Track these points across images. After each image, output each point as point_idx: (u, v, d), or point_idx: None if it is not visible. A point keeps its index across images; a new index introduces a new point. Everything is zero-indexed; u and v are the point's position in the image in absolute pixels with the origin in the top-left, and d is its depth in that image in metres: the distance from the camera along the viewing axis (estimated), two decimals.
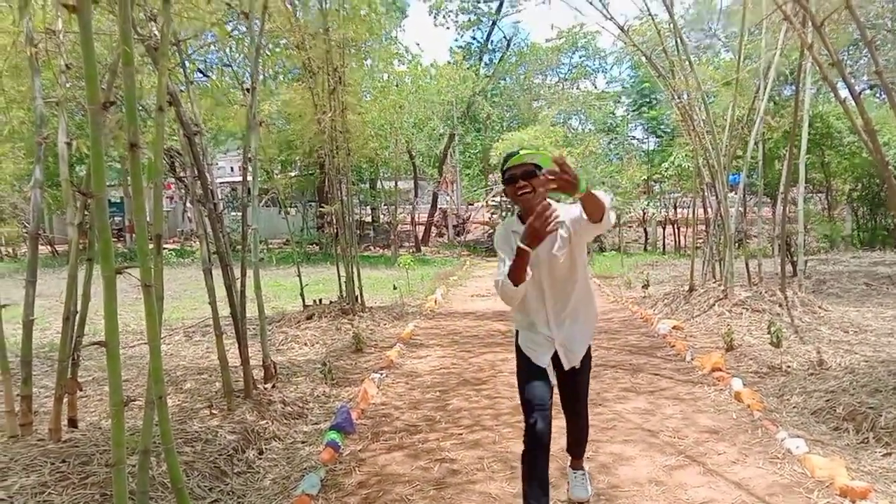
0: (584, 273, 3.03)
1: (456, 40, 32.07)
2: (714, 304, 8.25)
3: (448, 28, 37.39)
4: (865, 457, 3.72)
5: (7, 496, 2.94)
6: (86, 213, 3.82)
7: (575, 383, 3.14)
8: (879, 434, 3.87)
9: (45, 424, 4.00)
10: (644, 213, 22.68)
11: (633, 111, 24.39)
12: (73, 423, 4.07)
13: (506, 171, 2.89)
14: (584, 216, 2.73)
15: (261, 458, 4.06)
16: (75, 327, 3.92)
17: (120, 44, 2.42)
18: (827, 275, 11.85)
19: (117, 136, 3.43)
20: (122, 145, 5.16)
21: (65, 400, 3.93)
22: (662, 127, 22.76)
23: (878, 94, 19.81)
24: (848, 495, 3.21)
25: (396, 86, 18.69)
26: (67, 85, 4.23)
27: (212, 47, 7.69)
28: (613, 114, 26.35)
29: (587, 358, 3.10)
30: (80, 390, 4.14)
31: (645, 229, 23.30)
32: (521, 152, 2.87)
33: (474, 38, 31.51)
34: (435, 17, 28.34)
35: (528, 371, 3.02)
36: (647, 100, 24.08)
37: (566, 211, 2.88)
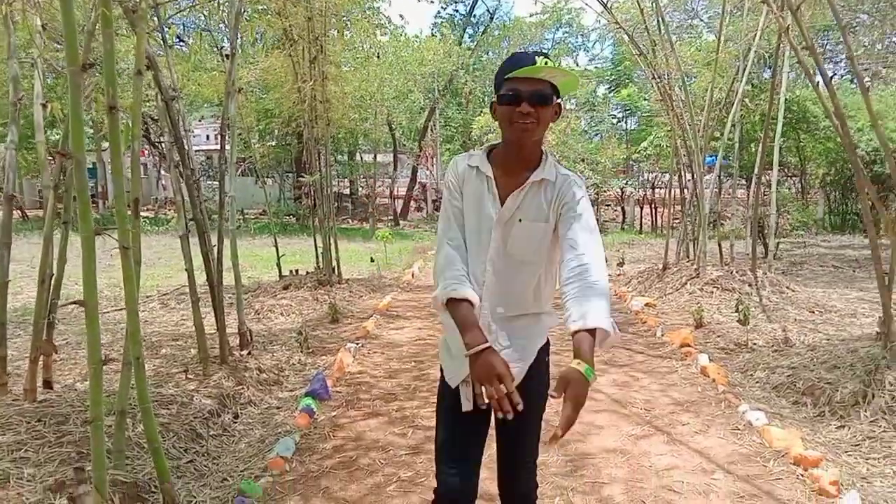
0: (550, 272, 2.06)
1: (438, 13, 31.70)
2: (686, 283, 8.42)
3: (431, 2, 36.94)
4: (821, 429, 3.89)
5: None
6: (62, 175, 3.79)
7: (514, 427, 1.94)
8: (835, 408, 4.03)
9: (19, 386, 4.01)
10: (622, 192, 22.87)
11: (611, 91, 24.41)
12: (48, 384, 4.08)
13: (505, 81, 1.91)
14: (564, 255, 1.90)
15: (236, 422, 4.12)
16: (50, 290, 3.92)
17: (98, 5, 2.41)
18: (798, 257, 12.13)
19: (95, 98, 3.40)
20: (100, 108, 5.10)
21: (40, 361, 3.93)
22: (638, 107, 22.83)
23: (855, 80, 20.08)
24: (801, 464, 3.37)
25: (378, 57, 18.51)
26: (42, 45, 4.17)
27: (191, 11, 7.57)
28: (595, 92, 26.38)
29: (535, 390, 2.01)
30: (56, 352, 4.14)
31: (623, 208, 23.52)
32: (539, 60, 1.85)
33: (457, 11, 31.27)
34: None
35: (444, 400, 2.10)
36: (625, 79, 24.09)
37: (564, 190, 1.97)
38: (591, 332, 1.73)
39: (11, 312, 6.73)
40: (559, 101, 1.96)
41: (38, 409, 3.57)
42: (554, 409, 1.89)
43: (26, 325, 6.08)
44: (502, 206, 1.97)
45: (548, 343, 2.11)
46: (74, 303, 2.42)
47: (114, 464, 2.99)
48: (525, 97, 1.86)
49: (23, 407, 3.61)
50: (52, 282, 3.93)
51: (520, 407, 1.74)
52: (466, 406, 1.99)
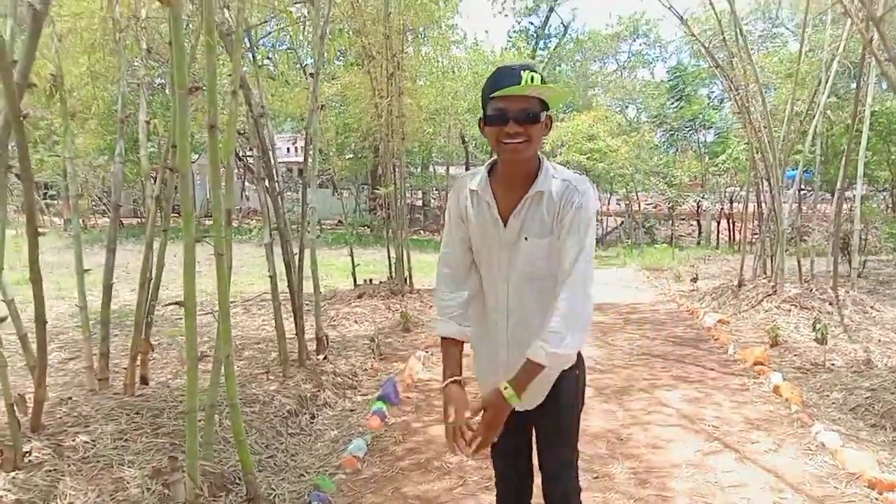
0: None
1: (513, 27, 31.88)
2: (762, 300, 8.19)
3: (506, 15, 37.33)
4: None
5: (91, 440, 3.28)
6: (164, 186, 4.12)
7: (545, 431, 2.11)
8: None
9: (118, 381, 4.36)
10: (698, 206, 22.32)
11: (677, 105, 23.77)
12: (144, 380, 4.42)
13: (490, 99, 1.85)
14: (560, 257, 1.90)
15: (313, 423, 4.35)
16: (149, 292, 4.26)
17: (203, 33, 2.67)
18: (886, 276, 11.54)
19: (194, 116, 3.71)
20: (196, 125, 5.48)
21: (138, 359, 4.27)
22: (710, 121, 22.10)
23: None
24: (876, 487, 3.29)
25: (453, 71, 18.82)
26: (147, 67, 4.56)
27: (278, 33, 8.00)
28: (664, 105, 25.80)
29: (560, 401, 2.06)
30: (153, 350, 4.48)
31: (699, 222, 22.93)
32: (524, 77, 1.79)
33: (531, 24, 31.34)
34: (492, 5, 28.31)
35: None
36: (689, 93, 23.33)
37: (564, 200, 1.91)
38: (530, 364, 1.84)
39: (111, 313, 7.28)
40: (549, 113, 1.91)
41: (136, 403, 3.89)
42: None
43: (122, 326, 6.55)
44: (506, 226, 1.95)
45: (578, 359, 2.06)
46: (175, 303, 2.67)
47: (203, 454, 3.25)
48: (512, 116, 1.81)
49: (123, 400, 3.93)
50: (151, 285, 4.27)
51: (473, 446, 1.88)
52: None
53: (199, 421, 3.41)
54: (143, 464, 3.19)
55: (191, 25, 4.87)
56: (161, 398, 4.04)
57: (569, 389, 2.06)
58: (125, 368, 4.23)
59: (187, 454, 2.75)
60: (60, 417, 3.58)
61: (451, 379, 1.96)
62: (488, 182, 1.99)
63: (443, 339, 2.05)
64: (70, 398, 3.99)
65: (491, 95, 1.84)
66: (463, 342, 2.04)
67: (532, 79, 1.80)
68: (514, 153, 1.86)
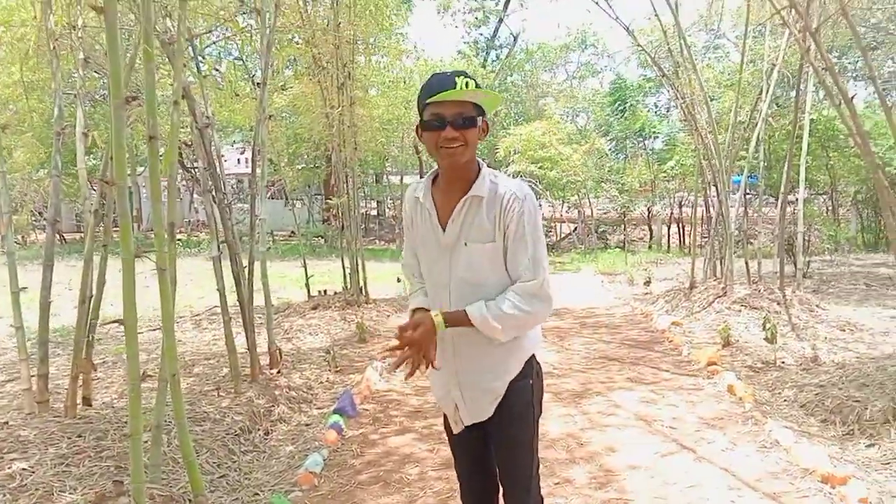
0: (507, 285, 1.94)
1: (463, 38, 32.09)
2: (713, 302, 8.36)
3: (456, 27, 37.65)
4: (850, 447, 3.86)
5: (29, 466, 3.10)
6: (102, 201, 3.96)
7: (500, 443, 2.08)
8: (864, 426, 4.00)
9: (60, 403, 4.16)
10: (649, 212, 22.75)
11: (622, 115, 24.16)
12: (86, 401, 4.22)
13: (427, 106, 1.86)
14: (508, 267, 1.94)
15: (267, 439, 4.22)
16: (90, 310, 4.08)
17: (141, 42, 2.57)
18: (829, 275, 11.95)
19: (133, 126, 3.58)
20: (137, 135, 5.32)
21: (79, 379, 4.08)
22: (656, 131, 22.52)
23: (889, 96, 19.77)
24: (829, 482, 3.35)
25: (405, 81, 18.82)
26: (84, 77, 4.39)
27: (224, 42, 7.84)
28: (609, 116, 26.24)
29: (513, 412, 2.02)
30: (95, 370, 4.29)
31: (650, 227, 23.38)
32: (459, 82, 1.81)
33: (482, 34, 31.59)
34: (442, 17, 28.46)
35: (446, 424, 2.19)
36: (629, 104, 23.69)
37: (507, 207, 1.90)
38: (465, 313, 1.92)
39: (51, 332, 6.98)
40: (486, 118, 1.94)
41: (77, 425, 3.71)
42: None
43: (65, 345, 6.29)
44: (444, 232, 1.97)
45: (528, 368, 2.05)
46: (115, 322, 2.55)
47: (150, 477, 3.10)
48: (449, 121, 1.83)
49: (64, 423, 3.75)
50: (92, 303, 4.09)
51: (436, 364, 1.95)
52: (456, 429, 2.12)
53: (146, 442, 3.28)
54: (85, 490, 3.03)
55: (132, 36, 4.72)
56: (105, 419, 3.87)
57: (522, 400, 2.03)
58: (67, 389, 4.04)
59: (132, 478, 2.62)
60: None
61: (421, 306, 2.07)
62: (430, 189, 2.03)
63: (414, 310, 2.13)
64: (6, 423, 3.79)
65: (427, 102, 1.85)
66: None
67: (466, 84, 1.83)
68: (452, 157, 1.88)
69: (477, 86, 1.85)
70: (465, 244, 1.94)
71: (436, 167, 2.06)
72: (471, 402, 2.03)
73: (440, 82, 1.84)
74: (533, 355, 2.07)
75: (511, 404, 2.01)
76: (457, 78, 1.83)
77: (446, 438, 2.22)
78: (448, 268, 1.98)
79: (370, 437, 4.34)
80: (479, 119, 1.90)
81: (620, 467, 3.76)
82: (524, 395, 2.03)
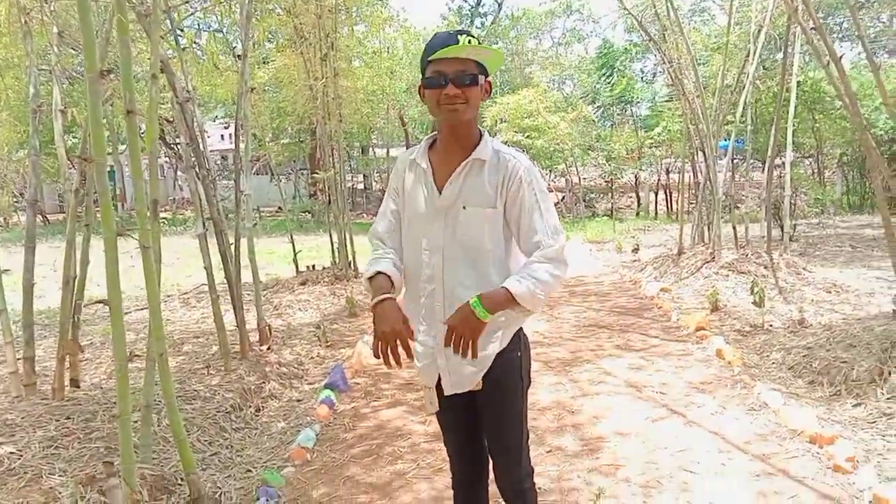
0: (507, 264, 1.96)
1: (447, 4, 31.63)
2: (701, 267, 8.40)
3: None
4: (837, 407, 3.90)
5: (17, 450, 3.08)
6: (82, 180, 3.89)
7: (489, 416, 2.06)
8: (851, 386, 4.04)
9: (47, 385, 4.13)
10: (636, 179, 22.75)
11: (606, 81, 23.98)
12: (74, 383, 4.20)
13: (429, 63, 1.85)
14: (518, 241, 1.92)
15: (258, 416, 4.22)
16: (74, 291, 4.03)
17: (115, 12, 2.49)
18: (815, 238, 12.03)
19: (112, 102, 3.49)
20: (117, 112, 5.21)
21: (66, 361, 4.05)
22: (636, 97, 22.39)
23: (877, 56, 19.71)
24: (817, 441, 3.40)
25: (388, 51, 18.56)
26: (59, 52, 4.27)
27: (205, 14, 7.66)
28: (596, 83, 26.06)
29: (502, 383, 2.00)
30: (81, 352, 4.26)
31: (637, 194, 23.40)
32: (461, 39, 1.80)
33: (466, 1, 31.16)
34: None
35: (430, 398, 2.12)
36: (618, 69, 23.50)
37: (509, 174, 1.89)
38: (506, 290, 1.79)
39: (37, 314, 6.91)
40: (488, 78, 1.91)
41: (66, 407, 3.69)
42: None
43: (52, 327, 6.24)
44: (441, 194, 1.93)
45: (516, 341, 2.02)
46: (99, 302, 2.51)
47: (141, 457, 3.09)
48: (451, 79, 1.81)
49: (52, 405, 3.72)
50: (76, 283, 4.04)
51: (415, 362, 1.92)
52: (430, 409, 2.10)
53: (136, 423, 3.26)
54: (75, 472, 3.02)
55: (107, 8, 4.59)
56: (94, 401, 3.84)
57: (510, 371, 2.00)
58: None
59: (122, 458, 2.61)
60: None
61: (384, 296, 1.83)
62: (427, 151, 2.00)
63: (371, 280, 1.93)
64: None
65: (429, 59, 1.83)
66: (393, 283, 1.91)
67: (469, 41, 1.80)
68: (453, 114, 1.84)
69: (480, 44, 1.82)
70: (464, 207, 1.90)
71: (429, 134, 2.03)
72: (455, 373, 1.98)
73: (442, 40, 1.82)
74: (521, 327, 2.04)
75: (499, 377, 1.98)
76: (459, 35, 1.81)
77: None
78: (442, 231, 1.92)
79: (362, 411, 4.35)
80: (482, 78, 1.87)
81: (611, 434, 3.79)
82: (513, 367, 2.01)
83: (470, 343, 1.74)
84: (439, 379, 2.03)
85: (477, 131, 1.95)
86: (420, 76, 1.93)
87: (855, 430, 3.56)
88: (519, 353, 2.03)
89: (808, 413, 3.71)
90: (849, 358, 4.31)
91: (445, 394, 2.03)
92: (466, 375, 1.97)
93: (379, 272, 1.92)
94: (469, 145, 1.92)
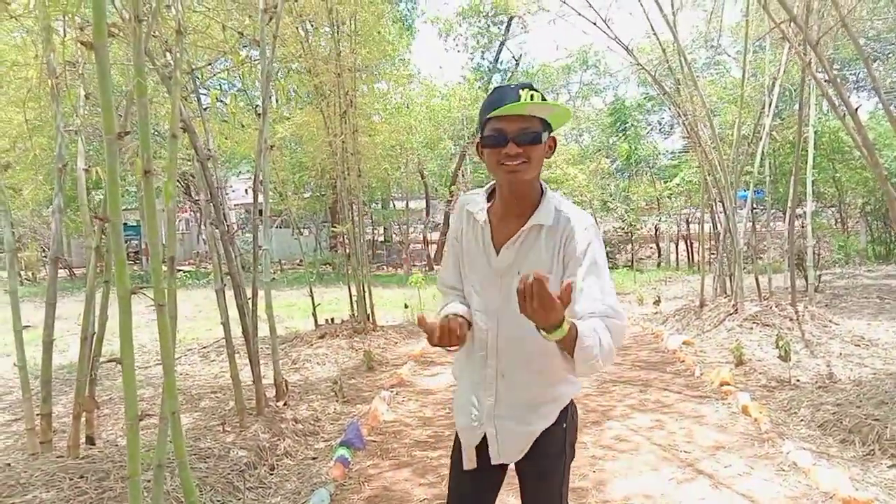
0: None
1: (467, 63, 32.32)
2: (724, 320, 8.26)
3: (459, 51, 38.18)
4: (871, 468, 3.74)
5: None
6: (103, 236, 3.95)
7: (528, 489, 1.93)
8: (885, 446, 3.88)
9: (63, 441, 4.11)
10: (656, 230, 22.67)
11: (619, 132, 24.15)
12: (90, 440, 4.17)
13: (488, 120, 1.73)
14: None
15: (272, 474, 4.14)
16: (93, 347, 4.04)
17: (134, 75, 2.56)
18: (840, 289, 11.80)
19: (134, 162, 3.56)
20: (138, 171, 5.33)
21: (82, 418, 4.03)
22: (632, 160, 22.57)
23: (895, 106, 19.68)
24: None
25: (407, 107, 18.93)
26: (85, 113, 4.40)
27: (226, 74, 7.90)
28: (608, 139, 26.24)
29: (548, 452, 1.87)
30: (98, 408, 4.25)
31: (658, 245, 23.28)
32: (523, 95, 1.67)
33: (484, 58, 31.86)
34: (445, 41, 28.74)
35: (455, 453, 2.00)
36: (628, 125, 23.72)
37: (566, 235, 1.76)
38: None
39: (59, 369, 6.95)
40: (552, 135, 1.78)
41: (80, 466, 3.65)
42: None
43: (72, 382, 6.24)
44: (497, 255, 1.81)
45: (566, 413, 1.90)
46: (112, 360, 2.50)
47: None
48: (511, 137, 1.68)
49: (66, 463, 3.69)
50: (94, 339, 4.05)
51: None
52: (468, 465, 1.91)
53: (148, 482, 3.21)
54: None
55: (130, 70, 4.75)
56: (108, 459, 3.80)
57: (555, 445, 1.87)
58: None
59: None
60: None
61: (452, 313, 1.80)
62: (486, 205, 1.87)
63: (448, 315, 1.84)
64: (8, 465, 3.74)
65: (488, 116, 1.71)
66: (469, 321, 1.85)
67: (532, 97, 1.68)
68: (514, 175, 1.72)
69: (543, 99, 1.70)
70: (519, 272, 1.73)
71: (489, 185, 1.92)
72: (506, 441, 1.84)
73: (502, 95, 1.69)
74: (571, 400, 1.92)
75: (543, 448, 1.85)
76: (521, 91, 1.68)
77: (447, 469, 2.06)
78: (498, 295, 1.81)
79: (378, 469, 4.25)
80: (545, 135, 1.74)
81: (635, 495, 3.65)
82: (558, 439, 1.87)
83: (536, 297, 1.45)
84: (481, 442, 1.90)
85: (538, 189, 1.83)
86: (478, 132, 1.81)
87: (892, 493, 3.41)
88: (565, 426, 1.90)
89: (841, 474, 3.56)
90: (881, 415, 4.16)
91: (492, 462, 1.88)
92: (517, 445, 1.85)
93: (452, 314, 1.84)
94: (530, 205, 1.80)
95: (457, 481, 2.00)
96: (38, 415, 4.05)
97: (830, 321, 7.72)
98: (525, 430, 1.83)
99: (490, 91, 1.79)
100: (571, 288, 1.46)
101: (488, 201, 1.89)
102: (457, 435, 1.99)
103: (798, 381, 5.57)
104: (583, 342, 1.55)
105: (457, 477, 1.99)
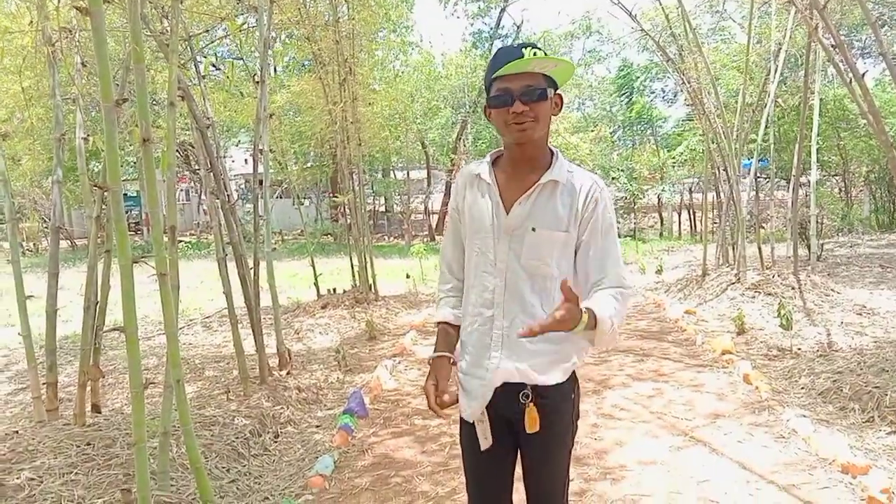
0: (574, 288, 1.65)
1: (467, 29, 31.92)
2: (727, 289, 8.26)
3: (458, 17, 37.71)
4: (870, 435, 3.77)
5: (37, 476, 3.08)
6: (103, 206, 3.94)
7: (533, 463, 1.90)
8: (884, 413, 3.91)
9: (69, 410, 4.15)
10: (659, 199, 22.59)
11: (625, 102, 23.95)
12: (96, 408, 4.21)
13: (493, 81, 1.74)
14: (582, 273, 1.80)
15: (276, 442, 4.19)
16: (96, 316, 4.06)
17: (131, 42, 2.52)
18: (842, 258, 11.79)
19: (132, 130, 3.53)
20: (137, 140, 5.29)
21: (88, 386, 4.06)
22: (654, 117, 22.37)
23: None
24: (849, 472, 3.28)
25: (406, 73, 18.74)
26: (83, 82, 4.35)
27: (223, 41, 7.80)
28: (611, 103, 26.00)
29: (554, 429, 1.84)
30: (103, 377, 4.28)
31: (660, 214, 23.22)
32: (526, 52, 1.67)
33: (485, 24, 31.41)
34: (444, 7, 28.29)
35: (464, 439, 1.96)
36: (638, 88, 23.49)
37: (586, 198, 1.78)
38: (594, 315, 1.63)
39: (63, 339, 6.99)
40: (558, 92, 1.78)
41: (86, 433, 3.69)
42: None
43: (77, 352, 6.29)
44: (508, 213, 1.79)
45: (572, 382, 1.88)
46: (115, 329, 2.51)
47: (158, 485, 3.08)
48: (517, 95, 1.68)
49: (72, 431, 3.73)
50: (97, 309, 4.06)
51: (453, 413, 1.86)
52: (484, 444, 1.86)
53: (154, 449, 3.25)
54: (93, 499, 3.01)
55: (127, 36, 4.68)
56: (114, 426, 3.84)
57: (563, 419, 1.86)
58: None
59: (138, 486, 2.59)
60: (4, 454, 3.37)
61: (440, 353, 1.91)
62: (492, 168, 1.87)
63: (438, 322, 2.00)
64: (16, 432, 3.78)
65: (493, 77, 1.72)
66: (458, 326, 1.95)
67: (535, 54, 1.68)
68: (522, 133, 1.72)
69: (546, 55, 1.70)
70: (533, 229, 1.75)
71: (494, 150, 1.91)
72: (521, 355, 1.79)
73: (506, 54, 1.69)
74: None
75: (551, 423, 1.82)
76: (524, 49, 1.68)
77: (455, 436, 2.11)
78: (507, 253, 1.79)
79: (380, 437, 4.30)
80: (551, 91, 1.74)
81: (633, 462, 3.69)
82: (566, 413, 1.86)
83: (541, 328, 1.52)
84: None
85: (548, 150, 1.83)
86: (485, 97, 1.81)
87: (890, 459, 3.44)
88: (573, 395, 1.89)
89: (840, 441, 3.59)
90: (881, 383, 4.18)
91: (512, 380, 1.81)
92: (530, 358, 1.79)
93: (440, 322, 1.98)
94: (540, 165, 1.80)
95: (474, 465, 1.97)
96: (43, 384, 4.08)
97: (832, 290, 7.72)
98: (536, 347, 1.77)
99: (493, 53, 1.78)
100: (571, 285, 1.54)
101: (494, 166, 1.89)
102: (462, 422, 1.95)
103: (799, 349, 5.59)
104: (602, 326, 1.63)
105: (472, 460, 1.96)
